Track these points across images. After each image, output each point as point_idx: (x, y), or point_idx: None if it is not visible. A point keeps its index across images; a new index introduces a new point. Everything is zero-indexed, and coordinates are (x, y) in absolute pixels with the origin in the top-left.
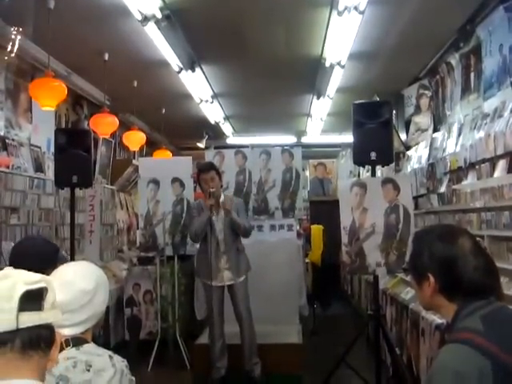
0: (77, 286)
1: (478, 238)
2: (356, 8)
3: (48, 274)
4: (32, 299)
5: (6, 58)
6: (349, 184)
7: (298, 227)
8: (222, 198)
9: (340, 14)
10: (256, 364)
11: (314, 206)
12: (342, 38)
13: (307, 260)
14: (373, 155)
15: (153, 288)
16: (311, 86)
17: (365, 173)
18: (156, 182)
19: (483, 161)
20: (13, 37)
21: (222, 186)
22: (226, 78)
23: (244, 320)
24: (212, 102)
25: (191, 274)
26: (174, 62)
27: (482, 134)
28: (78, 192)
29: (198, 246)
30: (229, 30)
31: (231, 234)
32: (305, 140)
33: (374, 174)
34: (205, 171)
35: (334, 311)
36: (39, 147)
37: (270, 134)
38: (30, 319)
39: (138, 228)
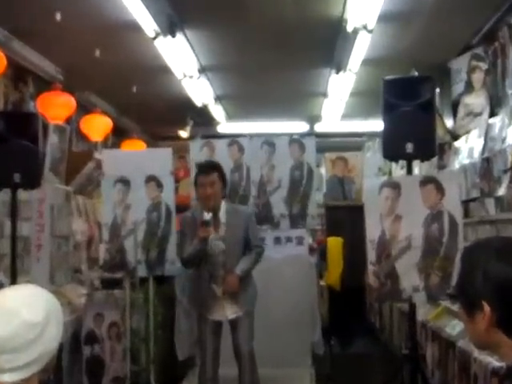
0: (21, 318)
1: None
2: None
3: None
4: None
5: None
6: (377, 184)
7: (310, 240)
8: (222, 211)
9: None
10: None
11: (331, 213)
12: None
13: (322, 283)
14: (409, 147)
15: (120, 319)
16: (329, 56)
17: (398, 170)
18: (125, 182)
19: None
20: None
21: (224, 196)
22: (216, 46)
23: (245, 361)
24: (198, 78)
25: (171, 300)
26: (149, 24)
27: None
28: (22, 194)
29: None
30: None
31: (235, 257)
32: (320, 127)
33: (410, 171)
34: (204, 172)
35: (356, 349)
36: None
37: (274, 120)
38: None
39: (101, 241)
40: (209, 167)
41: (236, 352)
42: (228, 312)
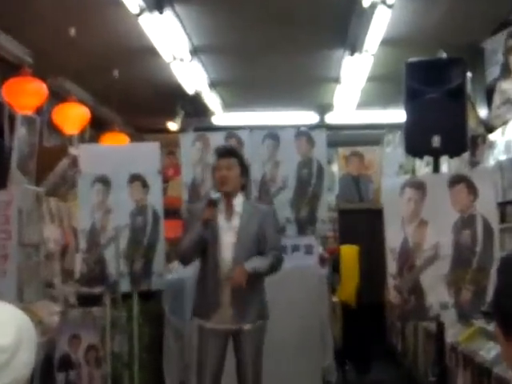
0: None
1: None
2: None
3: None
4: None
5: None
6: (398, 184)
7: (320, 249)
8: (238, 200)
9: None
10: None
11: (345, 217)
12: None
13: (335, 298)
14: (436, 140)
15: (100, 342)
16: (342, 35)
17: (423, 167)
18: (105, 182)
19: None
20: None
21: (244, 187)
22: (211, 23)
23: (249, 381)
24: (190, 61)
25: (158, 319)
26: None
27: None
28: None
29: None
30: None
31: (245, 254)
32: (331, 118)
33: (437, 168)
34: (222, 156)
35: (375, 376)
36: None
37: (278, 110)
38: None
39: (77, 251)
40: (227, 152)
41: (239, 372)
42: (227, 319)
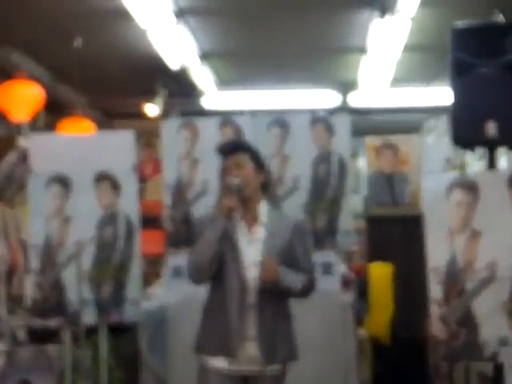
0: None
1: None
2: None
3: None
4: None
5: None
6: (444, 184)
7: (343, 268)
8: (261, 208)
9: None
10: None
11: (374, 227)
12: None
13: (363, 332)
14: (491, 128)
15: None
16: None
17: (475, 162)
18: (64, 182)
19: None
20: None
21: (268, 184)
22: None
23: None
24: (175, 26)
25: (132, 359)
26: None
27: None
28: None
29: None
30: None
31: None
32: (356, 99)
33: (492, 164)
34: (227, 153)
35: None
36: None
37: (287, 88)
38: None
39: (27, 272)
40: (233, 146)
41: None
42: (246, 359)
